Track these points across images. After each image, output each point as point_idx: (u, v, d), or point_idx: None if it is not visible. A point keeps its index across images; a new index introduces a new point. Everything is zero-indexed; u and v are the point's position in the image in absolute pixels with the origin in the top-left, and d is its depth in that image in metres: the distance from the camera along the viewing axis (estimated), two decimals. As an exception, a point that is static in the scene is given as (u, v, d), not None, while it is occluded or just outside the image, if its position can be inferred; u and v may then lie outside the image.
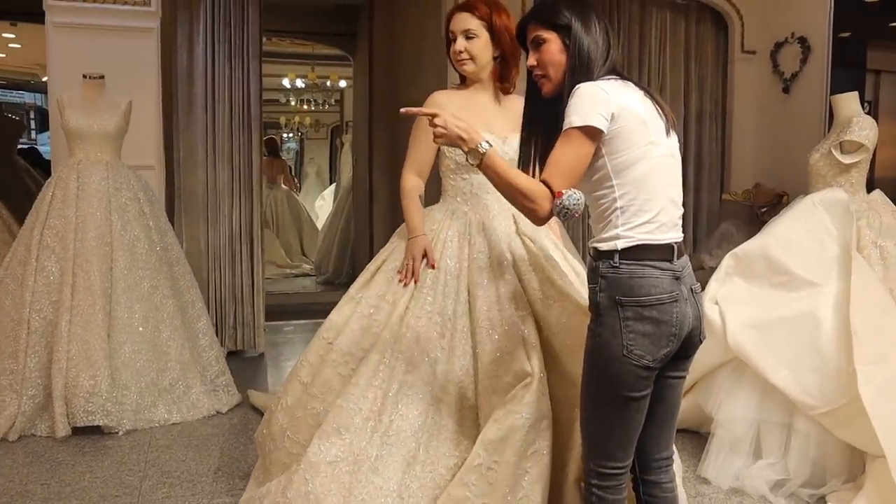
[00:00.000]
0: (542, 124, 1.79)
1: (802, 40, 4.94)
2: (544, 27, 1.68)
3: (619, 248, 1.59)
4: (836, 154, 2.77)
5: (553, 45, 1.68)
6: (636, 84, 1.68)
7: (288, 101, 10.89)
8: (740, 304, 2.73)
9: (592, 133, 1.55)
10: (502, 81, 2.30)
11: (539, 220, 1.59)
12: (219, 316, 4.30)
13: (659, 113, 1.65)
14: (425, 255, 2.13)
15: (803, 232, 2.72)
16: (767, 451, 2.63)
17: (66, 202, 3.21)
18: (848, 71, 5.04)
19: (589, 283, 1.66)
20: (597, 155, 1.59)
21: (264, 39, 4.51)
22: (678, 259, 1.63)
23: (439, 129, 1.68)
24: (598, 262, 1.62)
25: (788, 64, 5.02)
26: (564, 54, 1.67)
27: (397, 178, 5.89)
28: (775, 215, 4.78)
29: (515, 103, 2.29)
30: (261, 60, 4.34)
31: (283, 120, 12.20)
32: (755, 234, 4.85)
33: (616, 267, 1.59)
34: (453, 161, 2.22)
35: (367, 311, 2.14)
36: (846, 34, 5.01)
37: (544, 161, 1.77)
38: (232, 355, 4.30)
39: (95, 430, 3.04)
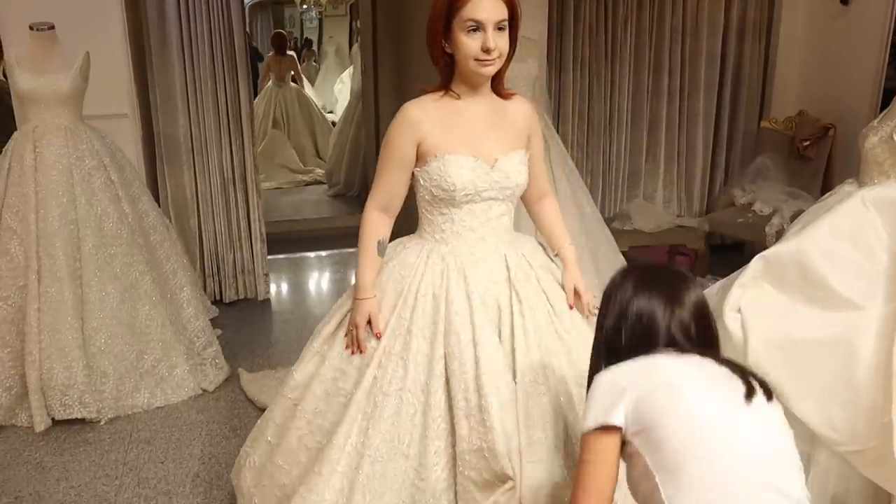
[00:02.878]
0: None
1: (871, -62, 4.21)
2: None
3: None
4: (897, 142, 2.32)
5: None
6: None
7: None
8: (766, 315, 2.39)
9: None
10: (501, 82, 1.87)
11: None
12: (216, 266, 4.10)
13: None
14: (370, 322, 1.82)
15: (848, 238, 2.32)
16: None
17: (23, 177, 2.92)
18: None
19: None
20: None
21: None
22: None
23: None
24: None
25: (851, -33, 4.32)
26: None
27: (403, 90, 5.40)
28: (821, 151, 4.34)
29: (516, 109, 1.89)
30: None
31: (298, -2, 11.41)
32: (796, 170, 4.45)
33: None
34: (428, 191, 1.82)
35: (330, 375, 1.86)
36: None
37: None
38: (234, 305, 4.16)
39: (77, 420, 2.93)
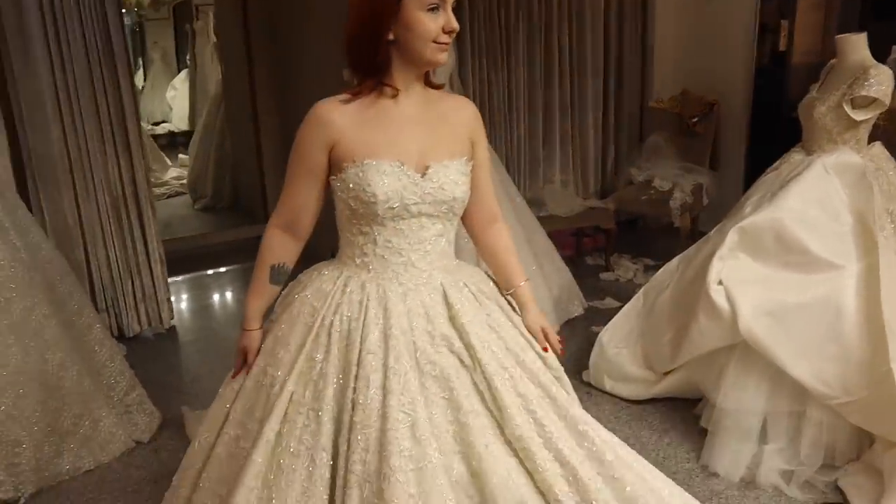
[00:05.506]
0: None
1: (730, -76, 4.52)
2: None
3: None
4: (848, 109, 2.46)
5: None
6: None
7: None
8: (750, 285, 2.47)
9: None
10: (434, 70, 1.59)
11: None
12: (111, 297, 3.58)
13: None
14: (245, 354, 1.63)
15: (817, 203, 2.45)
16: (774, 437, 2.49)
17: None
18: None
19: None
20: None
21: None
22: None
23: None
24: None
25: (715, -47, 4.63)
26: None
27: (287, 90, 5.06)
28: (708, 126, 4.60)
29: (456, 110, 1.62)
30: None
31: (114, 0, 10.43)
32: (686, 145, 4.70)
33: None
34: (346, 205, 1.52)
35: (233, 432, 1.56)
36: None
37: None
38: (137, 339, 3.68)
39: (-11, 505, 2.42)
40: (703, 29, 4.71)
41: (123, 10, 10.99)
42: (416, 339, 1.49)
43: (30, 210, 3.24)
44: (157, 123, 9.92)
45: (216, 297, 4.54)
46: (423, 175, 1.52)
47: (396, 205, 1.49)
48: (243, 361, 1.63)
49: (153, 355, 3.54)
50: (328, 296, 1.54)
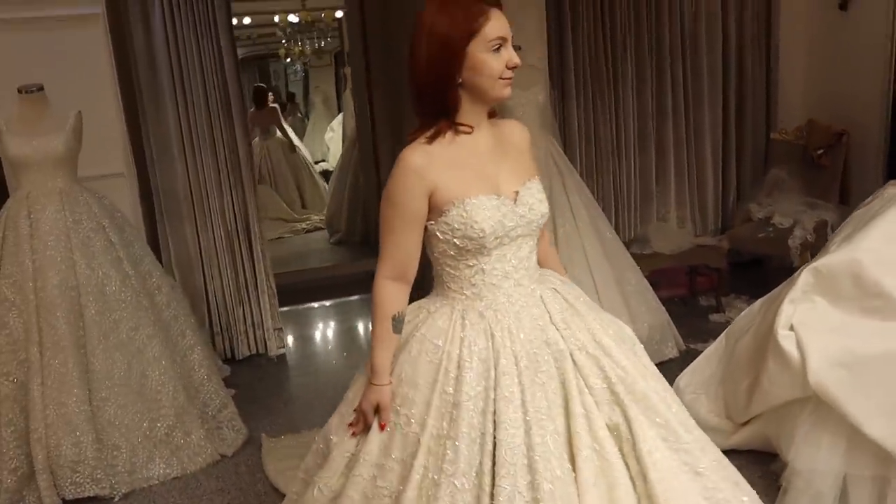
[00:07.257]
0: None
1: (863, -58, 4.18)
2: None
3: None
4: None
5: None
6: None
7: (285, 34, 10.16)
8: (823, 332, 2.25)
9: None
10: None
11: None
12: (225, 322, 3.93)
13: None
14: (379, 409, 1.60)
15: (900, 243, 2.20)
16: (856, 504, 2.22)
17: (19, 246, 2.78)
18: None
19: None
20: None
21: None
22: None
23: None
24: None
25: (846, -27, 4.28)
26: None
27: (400, 130, 5.25)
28: (835, 158, 4.24)
29: (518, 133, 1.74)
30: (231, 30, 3.74)
31: (282, 52, 11.48)
32: (812, 179, 4.35)
33: None
34: (451, 245, 1.58)
35: (368, 473, 1.58)
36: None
37: None
38: (246, 362, 3.99)
39: (89, 498, 2.73)
40: (833, 51, 4.35)
41: (291, 59, 12.09)
42: (538, 352, 1.58)
43: (157, 239, 3.69)
44: (316, 163, 10.73)
45: (325, 327, 4.80)
46: (516, 201, 1.61)
47: (501, 234, 1.58)
48: (372, 416, 1.61)
49: (259, 377, 3.82)
50: (447, 331, 1.59)
